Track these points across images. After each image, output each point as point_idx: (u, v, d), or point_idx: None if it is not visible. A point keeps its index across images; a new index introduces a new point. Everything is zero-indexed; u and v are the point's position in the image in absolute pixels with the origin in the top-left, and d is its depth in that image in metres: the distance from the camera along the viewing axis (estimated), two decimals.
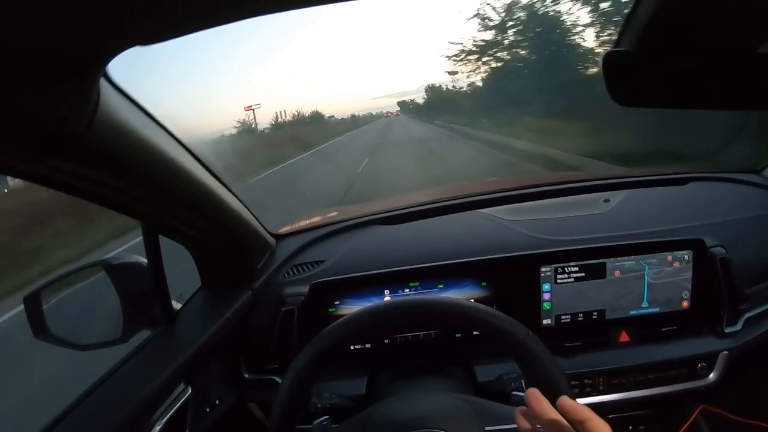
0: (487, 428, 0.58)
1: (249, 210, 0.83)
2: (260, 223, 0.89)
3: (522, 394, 0.61)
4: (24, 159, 0.42)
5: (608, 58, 0.43)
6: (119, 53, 0.36)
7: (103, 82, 0.42)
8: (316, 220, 1.11)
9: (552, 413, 0.43)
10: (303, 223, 1.08)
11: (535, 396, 0.45)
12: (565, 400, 0.42)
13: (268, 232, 0.95)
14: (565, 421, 0.42)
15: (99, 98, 0.40)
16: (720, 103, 0.46)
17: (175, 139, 0.59)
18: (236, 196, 0.78)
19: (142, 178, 0.54)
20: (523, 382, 0.77)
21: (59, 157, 0.42)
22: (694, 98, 0.46)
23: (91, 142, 0.41)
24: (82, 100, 0.39)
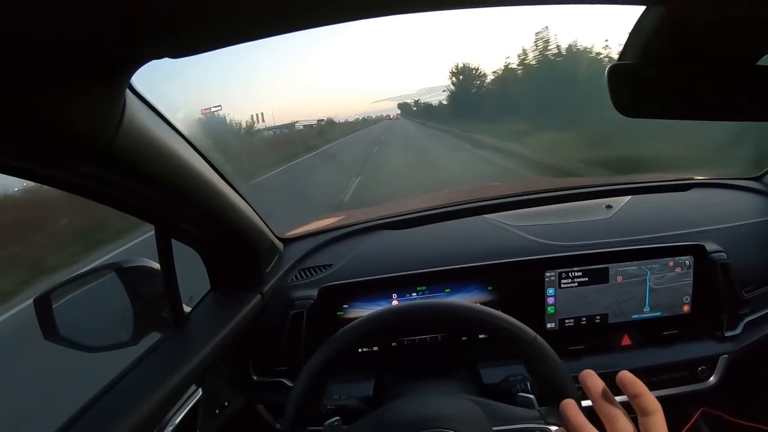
0: (495, 428, 0.59)
1: (258, 214, 0.84)
2: (268, 227, 0.90)
3: (528, 395, 0.62)
4: (49, 164, 0.42)
5: (613, 70, 0.45)
6: (146, 63, 0.37)
7: (127, 91, 0.43)
8: (324, 224, 1.12)
9: (588, 427, 0.44)
10: (310, 227, 1.09)
11: (571, 408, 0.46)
12: (624, 374, 0.43)
13: (276, 236, 0.96)
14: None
15: (125, 106, 0.41)
16: (722, 114, 0.47)
17: (191, 145, 0.61)
18: (246, 201, 0.79)
19: (161, 183, 0.55)
20: (528, 383, 0.78)
21: (84, 162, 0.43)
22: (697, 110, 0.47)
23: (116, 148, 0.42)
24: (109, 107, 0.39)
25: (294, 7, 0.29)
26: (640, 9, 0.40)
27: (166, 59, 0.36)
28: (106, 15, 0.27)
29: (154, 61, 0.37)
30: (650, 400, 0.42)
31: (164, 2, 0.27)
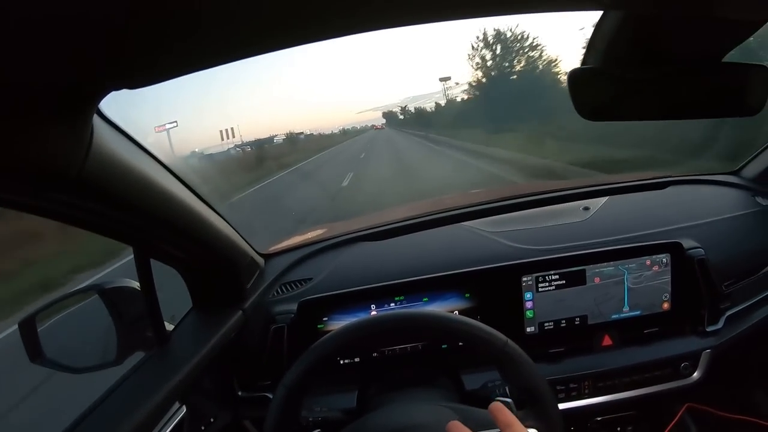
0: None
1: (237, 232, 0.85)
2: (248, 243, 0.92)
3: (506, 399, 0.63)
4: (19, 192, 0.43)
5: (574, 74, 0.45)
6: (110, 92, 0.38)
7: (95, 117, 0.43)
8: (303, 238, 1.13)
9: (517, 426, 0.49)
10: (291, 242, 1.10)
11: (499, 409, 0.50)
12: (496, 405, 0.49)
13: (257, 252, 0.97)
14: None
15: (93, 134, 0.42)
16: (687, 113, 0.47)
17: (164, 166, 0.62)
18: (224, 219, 0.80)
19: (135, 206, 0.56)
20: (507, 388, 0.79)
21: (55, 190, 0.44)
22: (662, 110, 0.47)
23: (87, 175, 0.43)
24: (77, 136, 0.40)
25: (254, 32, 0.30)
26: (598, 13, 0.40)
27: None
28: (65, 50, 0.28)
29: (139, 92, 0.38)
30: (520, 429, 0.48)
31: (123, 34, 0.27)
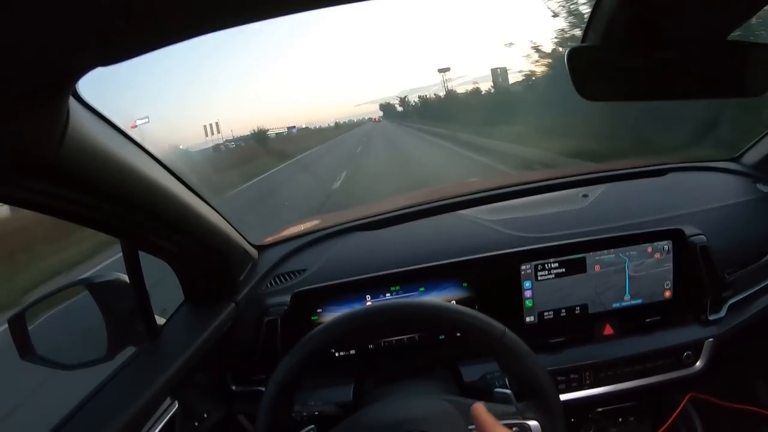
0: (470, 427, 0.58)
1: (229, 222, 0.83)
2: (241, 234, 0.90)
3: (505, 391, 0.61)
4: None
5: (573, 53, 0.43)
6: (87, 72, 0.36)
7: (72, 100, 0.42)
8: (298, 229, 1.12)
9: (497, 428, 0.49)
10: (284, 233, 1.09)
11: (480, 411, 0.50)
12: (477, 407, 0.50)
13: (250, 244, 0.95)
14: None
15: (69, 117, 0.40)
16: (689, 93, 0.46)
17: (149, 154, 0.60)
18: (215, 209, 0.78)
19: (117, 195, 0.53)
20: (506, 379, 0.78)
21: (30, 177, 0.42)
22: (663, 90, 0.46)
23: (63, 161, 0.41)
24: (51, 119, 0.38)
25: (221, 5, 0.29)
26: None
27: (109, 66, 0.36)
28: (35, 24, 0.27)
29: (123, 76, 0.37)
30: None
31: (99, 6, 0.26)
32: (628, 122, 4.96)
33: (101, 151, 0.47)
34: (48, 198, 0.48)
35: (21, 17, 0.26)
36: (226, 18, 0.31)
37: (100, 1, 0.26)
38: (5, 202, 0.48)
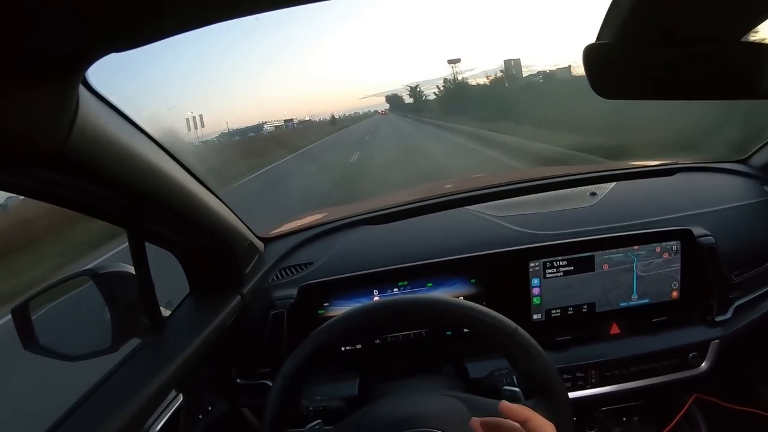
0: None
1: (235, 214, 0.82)
2: (247, 226, 0.89)
3: (514, 388, 0.61)
4: (1, 170, 0.41)
5: (589, 50, 0.43)
6: (98, 59, 0.36)
7: (82, 89, 0.41)
8: (304, 221, 1.11)
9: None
10: (291, 226, 1.08)
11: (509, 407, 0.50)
12: (504, 404, 0.48)
13: (256, 236, 0.95)
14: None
15: (78, 105, 0.40)
16: (703, 93, 0.46)
17: (158, 144, 0.59)
18: (222, 201, 0.78)
19: (124, 185, 0.53)
20: (515, 377, 0.77)
21: (38, 166, 0.41)
22: (678, 89, 0.45)
23: (71, 150, 0.40)
24: (61, 107, 0.38)
25: None
26: None
27: (123, 53, 0.35)
28: (49, 10, 0.26)
29: (116, 58, 0.36)
30: (540, 422, 0.47)
31: None
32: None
33: (110, 140, 0.47)
34: (54, 187, 0.48)
35: (34, 3, 0.25)
36: (243, 5, 0.31)
37: None
38: (13, 192, 0.47)
